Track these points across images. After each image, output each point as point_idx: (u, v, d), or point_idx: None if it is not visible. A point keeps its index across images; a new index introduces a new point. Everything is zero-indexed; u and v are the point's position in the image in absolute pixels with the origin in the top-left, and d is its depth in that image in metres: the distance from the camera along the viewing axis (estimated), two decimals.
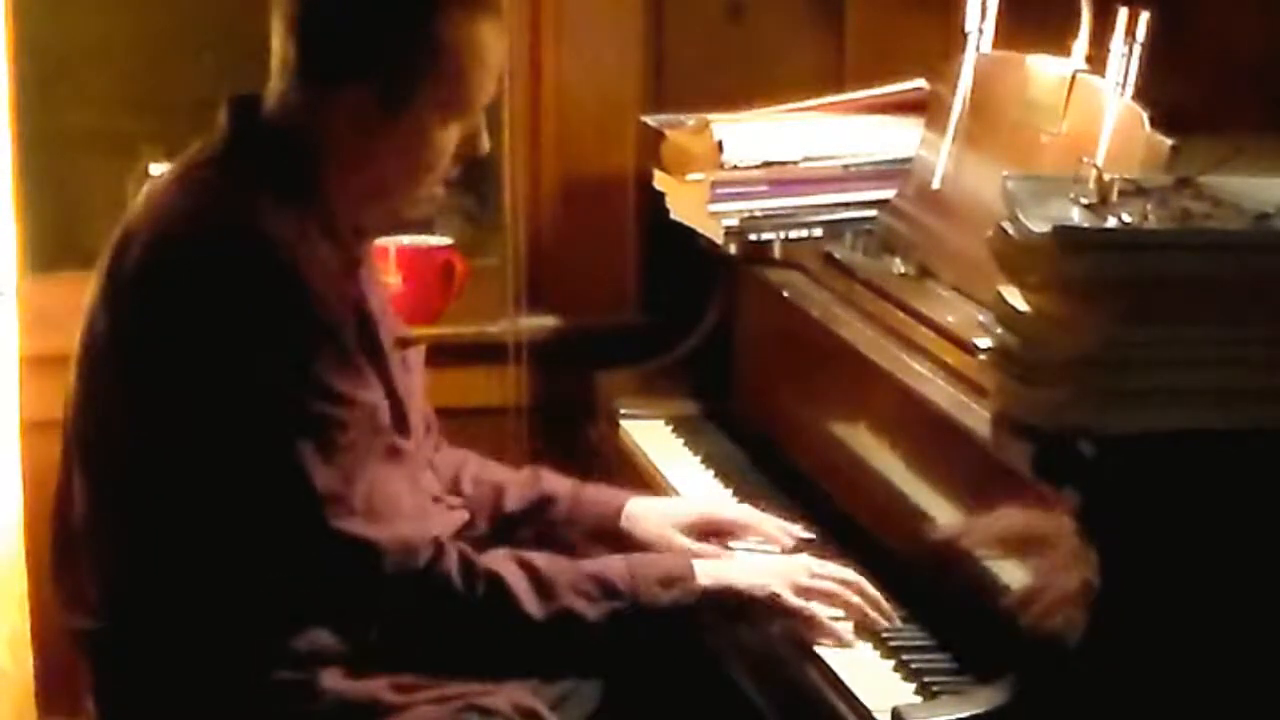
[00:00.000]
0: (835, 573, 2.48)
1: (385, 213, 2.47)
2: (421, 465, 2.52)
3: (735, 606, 2.45)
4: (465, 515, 2.60)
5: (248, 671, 2.34)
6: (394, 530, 2.32)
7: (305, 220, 2.37)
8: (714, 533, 2.69)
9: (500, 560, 2.39)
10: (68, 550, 2.45)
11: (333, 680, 2.36)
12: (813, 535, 2.68)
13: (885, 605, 2.44)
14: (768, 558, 2.61)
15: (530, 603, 2.36)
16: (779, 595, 2.43)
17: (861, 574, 2.52)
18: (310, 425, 2.29)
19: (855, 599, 2.44)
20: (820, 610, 2.42)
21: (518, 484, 2.72)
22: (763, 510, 2.75)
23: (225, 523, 2.31)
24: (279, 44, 2.41)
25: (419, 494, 2.43)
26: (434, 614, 2.35)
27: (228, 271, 2.30)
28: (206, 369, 2.29)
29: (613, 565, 2.44)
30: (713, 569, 2.46)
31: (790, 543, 2.66)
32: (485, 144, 2.46)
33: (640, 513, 2.69)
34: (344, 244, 2.42)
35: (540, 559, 2.41)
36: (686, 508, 2.74)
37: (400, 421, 2.45)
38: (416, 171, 2.42)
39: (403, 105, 2.37)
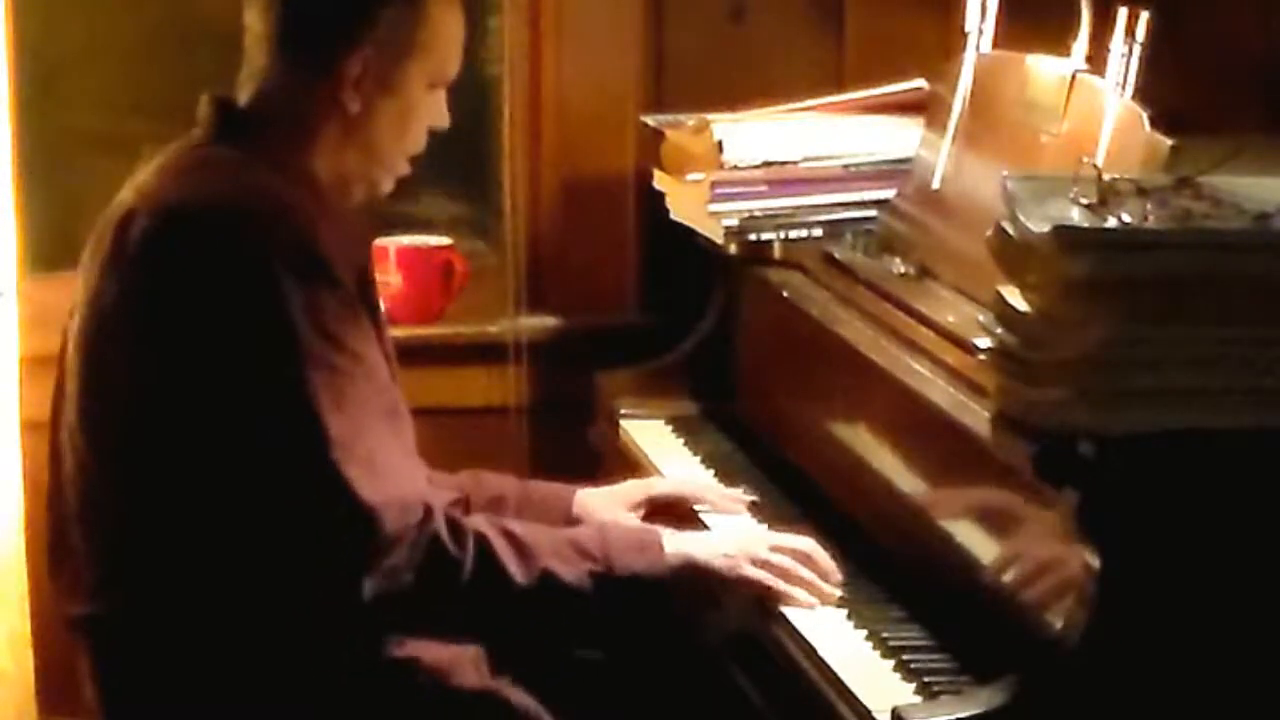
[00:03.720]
0: (791, 544, 2.52)
1: (368, 185, 2.53)
2: (412, 431, 2.53)
3: (698, 581, 2.47)
4: (455, 494, 2.61)
5: (251, 649, 2.36)
6: (392, 489, 2.33)
7: (301, 195, 2.42)
8: (661, 510, 2.76)
9: (482, 524, 2.41)
10: (63, 537, 2.47)
11: (338, 664, 2.38)
12: (755, 497, 2.79)
13: (835, 574, 2.50)
14: (727, 532, 2.64)
15: (513, 565, 2.37)
16: (738, 568, 2.47)
17: (860, 573, 2.54)
18: (325, 375, 2.32)
19: (807, 574, 2.48)
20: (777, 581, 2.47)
21: (461, 491, 2.71)
22: (761, 506, 2.79)
23: (237, 480, 2.33)
24: (268, 25, 2.47)
25: (411, 457, 2.46)
26: (428, 572, 2.35)
27: (242, 230, 2.35)
28: (225, 324, 2.33)
29: (584, 531, 2.48)
30: (675, 543, 2.48)
31: (738, 508, 2.76)
32: (447, 118, 2.57)
33: (590, 502, 2.75)
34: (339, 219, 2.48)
35: (515, 524, 2.44)
36: (629, 489, 2.81)
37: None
38: (404, 139, 2.51)
39: (398, 74, 2.46)
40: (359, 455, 2.31)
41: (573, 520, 2.71)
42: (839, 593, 2.48)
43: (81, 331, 2.43)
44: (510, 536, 2.39)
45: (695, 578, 2.46)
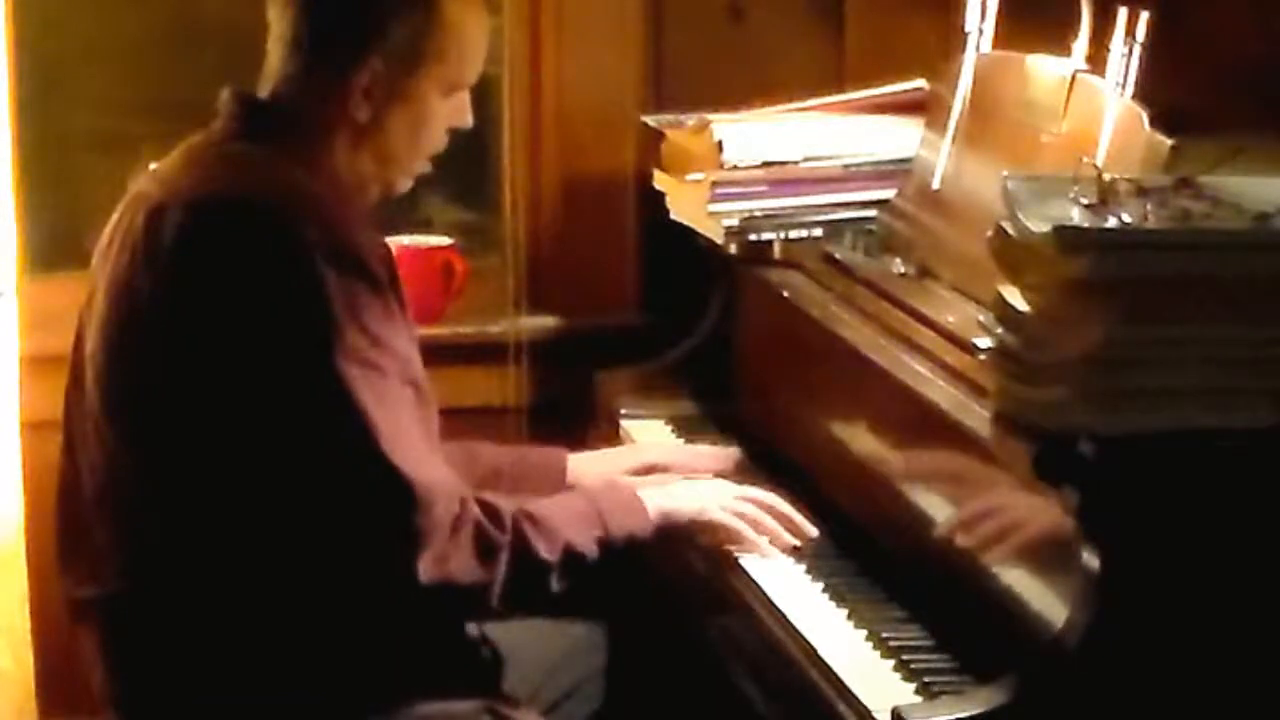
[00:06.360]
0: (758, 496, 2.64)
1: (384, 186, 2.54)
2: (436, 419, 2.54)
3: (672, 530, 2.58)
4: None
5: (275, 636, 2.37)
6: (435, 475, 2.36)
7: (327, 190, 2.43)
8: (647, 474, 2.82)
9: (506, 505, 2.44)
10: (78, 528, 2.47)
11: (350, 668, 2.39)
12: (737, 453, 2.90)
13: (803, 524, 2.63)
14: (698, 482, 2.72)
15: (540, 543, 2.42)
16: (706, 512, 2.59)
17: (860, 573, 2.54)
18: (363, 370, 2.34)
19: (771, 522, 2.61)
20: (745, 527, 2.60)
21: (456, 465, 2.74)
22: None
23: (280, 471, 2.34)
24: (284, 27, 2.47)
25: (436, 445, 2.47)
26: (478, 558, 2.38)
27: (282, 225, 2.35)
28: (266, 319, 2.34)
29: (574, 500, 2.55)
30: (649, 496, 2.57)
31: (730, 466, 2.87)
32: (470, 118, 2.57)
33: (584, 467, 2.81)
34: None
35: (526, 502, 2.48)
36: (623, 455, 2.89)
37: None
38: (418, 144, 2.52)
39: (410, 83, 2.46)
40: (403, 446, 2.34)
41: (568, 487, 2.76)
42: (797, 542, 2.61)
43: (106, 324, 2.43)
44: (530, 515, 2.43)
45: (669, 527, 2.56)
